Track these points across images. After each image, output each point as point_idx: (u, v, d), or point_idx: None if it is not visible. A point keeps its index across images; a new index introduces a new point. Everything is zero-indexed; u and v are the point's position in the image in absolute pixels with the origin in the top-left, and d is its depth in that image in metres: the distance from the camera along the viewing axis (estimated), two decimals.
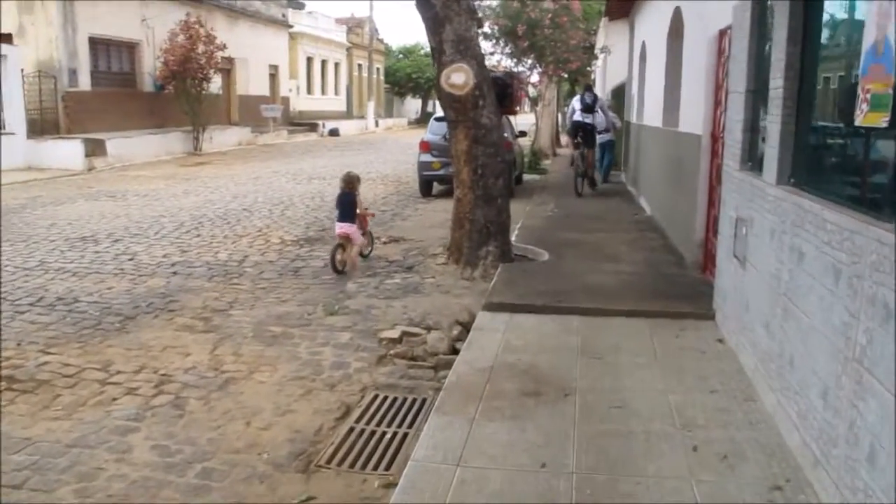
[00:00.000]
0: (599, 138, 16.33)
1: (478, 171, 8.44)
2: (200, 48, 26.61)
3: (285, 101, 40.32)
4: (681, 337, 5.94)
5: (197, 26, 26.69)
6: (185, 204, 14.54)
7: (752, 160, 5.36)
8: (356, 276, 8.75)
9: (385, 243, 10.59)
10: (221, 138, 29.77)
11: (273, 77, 39.31)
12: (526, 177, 19.36)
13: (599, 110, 15.80)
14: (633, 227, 11.12)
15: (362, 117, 50.21)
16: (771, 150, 4.57)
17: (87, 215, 13.04)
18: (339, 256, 8.84)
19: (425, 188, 16.03)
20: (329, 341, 6.49)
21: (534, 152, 21.60)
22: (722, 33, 7.39)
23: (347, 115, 50.17)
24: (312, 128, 40.85)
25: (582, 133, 15.34)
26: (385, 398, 5.34)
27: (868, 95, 3.26)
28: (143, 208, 13.95)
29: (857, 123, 3.37)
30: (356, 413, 5.09)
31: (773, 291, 4.43)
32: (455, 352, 6.04)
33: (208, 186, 17.49)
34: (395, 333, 6.61)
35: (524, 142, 20.56)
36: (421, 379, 5.71)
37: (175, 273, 8.92)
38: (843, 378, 3.25)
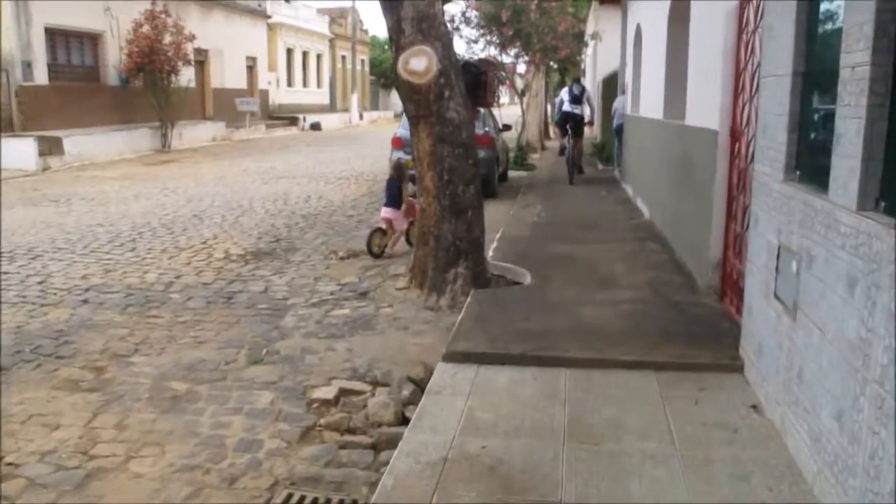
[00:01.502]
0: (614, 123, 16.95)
1: (444, 177, 6.93)
2: (167, 39, 25.05)
3: (264, 94, 38.69)
4: (702, 403, 4.46)
5: (163, 16, 25.12)
6: (132, 210, 12.96)
7: (804, 169, 3.88)
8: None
9: (342, 258, 9.07)
10: (193, 134, 28.17)
11: (251, 69, 37.64)
12: (512, 173, 17.87)
13: (586, 101, 16.41)
14: (631, 236, 9.63)
15: (346, 110, 48.59)
16: (845, 160, 3.09)
17: (18, 225, 11.41)
18: (377, 240, 9.14)
19: None
20: (243, 405, 4.99)
21: (520, 147, 20.03)
22: (743, 3, 5.90)
23: (331, 108, 48.50)
24: (293, 122, 39.22)
25: (572, 123, 15.92)
26: (301, 500, 3.87)
27: None
28: (82, 215, 12.36)
29: None
30: None
31: (853, 371, 2.96)
32: (404, 421, 4.59)
33: (166, 188, 15.93)
34: (330, 392, 5.12)
35: (510, 136, 19.04)
36: (355, 466, 4.24)
37: (85, 301, 7.39)
38: None
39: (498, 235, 9.54)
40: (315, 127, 39.69)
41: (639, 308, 6.17)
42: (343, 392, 5.14)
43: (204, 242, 10.26)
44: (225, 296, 7.61)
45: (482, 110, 14.10)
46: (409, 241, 9.27)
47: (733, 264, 5.98)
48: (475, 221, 7.10)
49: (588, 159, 19.50)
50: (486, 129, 14.11)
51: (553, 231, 10.00)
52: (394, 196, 9.17)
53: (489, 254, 8.22)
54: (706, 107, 6.78)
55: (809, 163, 3.78)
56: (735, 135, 6.03)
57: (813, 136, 3.79)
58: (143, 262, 9.05)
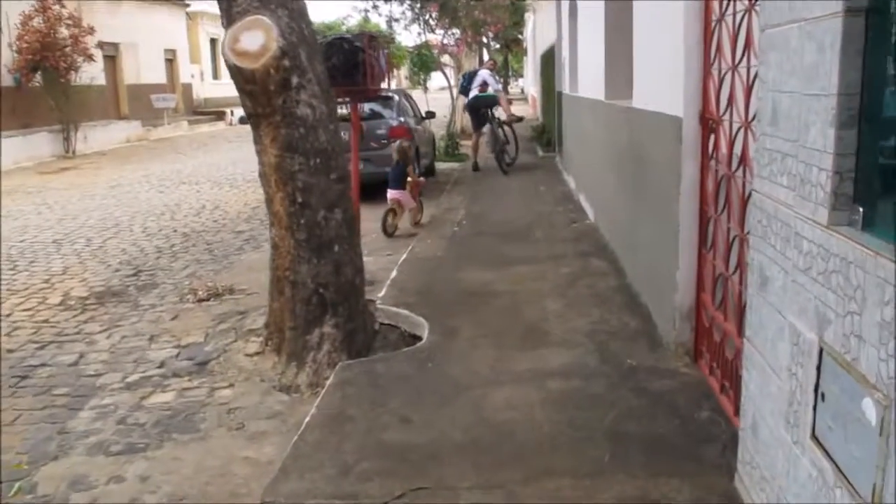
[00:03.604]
0: None
1: (297, 199, 4.86)
2: (63, 32, 22.57)
3: (187, 88, 36.17)
4: None
5: (57, 7, 22.60)
6: None
7: (878, 206, 1.91)
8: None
9: (200, 300, 6.96)
10: (102, 136, 25.63)
11: (170, 63, 35.00)
12: (441, 165, 15.88)
13: (482, 85, 14.48)
14: (572, 250, 7.63)
15: None
16: None
17: None
18: (389, 220, 9.41)
19: None
20: None
21: (450, 135, 17.95)
22: None
23: None
24: (220, 116, 36.72)
25: (478, 115, 14.69)
26: None
27: None
28: None
29: None
30: None
31: None
32: None
33: (44, 203, 13.61)
34: None
35: (441, 122, 17.01)
36: None
37: None
38: None
39: (403, 257, 7.51)
40: (244, 121, 37.12)
41: (576, 387, 4.15)
42: None
43: (46, 280, 8.12)
44: (20, 373, 5.48)
45: (395, 97, 12.07)
46: (416, 222, 9.83)
47: (714, 316, 4.03)
48: (346, 259, 5.02)
49: (528, 145, 17.58)
50: (401, 118, 12.05)
51: (473, 247, 7.95)
52: (399, 179, 9.58)
53: (382, 290, 6.21)
54: (662, 81, 4.80)
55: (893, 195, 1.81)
56: (707, 123, 4.04)
57: None
58: None
